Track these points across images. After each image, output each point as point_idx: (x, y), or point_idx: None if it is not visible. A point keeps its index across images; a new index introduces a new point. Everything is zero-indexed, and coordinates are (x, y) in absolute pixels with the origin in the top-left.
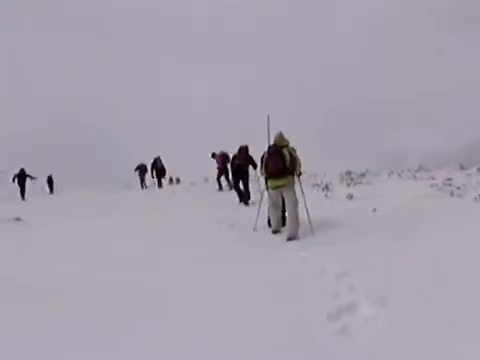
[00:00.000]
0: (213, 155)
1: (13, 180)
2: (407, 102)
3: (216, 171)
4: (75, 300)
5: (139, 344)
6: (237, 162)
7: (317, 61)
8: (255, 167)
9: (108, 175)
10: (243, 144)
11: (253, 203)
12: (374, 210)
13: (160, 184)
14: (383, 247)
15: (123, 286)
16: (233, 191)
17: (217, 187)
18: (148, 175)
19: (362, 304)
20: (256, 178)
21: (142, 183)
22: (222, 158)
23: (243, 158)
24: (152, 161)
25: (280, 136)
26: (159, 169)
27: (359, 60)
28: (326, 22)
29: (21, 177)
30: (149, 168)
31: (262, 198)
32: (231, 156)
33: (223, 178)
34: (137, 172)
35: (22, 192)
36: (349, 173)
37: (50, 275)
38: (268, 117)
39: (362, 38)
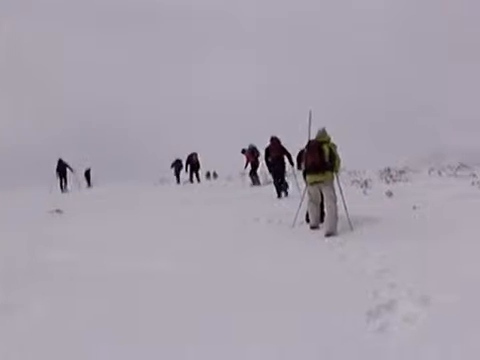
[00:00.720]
0: (243, 151)
1: (57, 171)
2: (449, 99)
3: (245, 166)
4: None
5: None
6: (273, 155)
7: (354, 55)
8: (290, 158)
9: (144, 170)
10: (273, 135)
11: (290, 196)
12: (414, 207)
13: (192, 179)
14: (424, 245)
15: (178, 276)
16: (259, 186)
17: (251, 182)
18: (184, 170)
19: (403, 302)
20: (293, 172)
21: (177, 178)
22: (251, 153)
23: (277, 150)
24: (187, 156)
25: (323, 131)
26: (194, 164)
27: (398, 55)
28: (362, 14)
29: (60, 167)
30: (184, 164)
31: (304, 194)
32: (264, 149)
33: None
34: (173, 168)
35: (61, 184)
36: (388, 170)
37: (99, 265)
38: (310, 112)
39: (401, 32)
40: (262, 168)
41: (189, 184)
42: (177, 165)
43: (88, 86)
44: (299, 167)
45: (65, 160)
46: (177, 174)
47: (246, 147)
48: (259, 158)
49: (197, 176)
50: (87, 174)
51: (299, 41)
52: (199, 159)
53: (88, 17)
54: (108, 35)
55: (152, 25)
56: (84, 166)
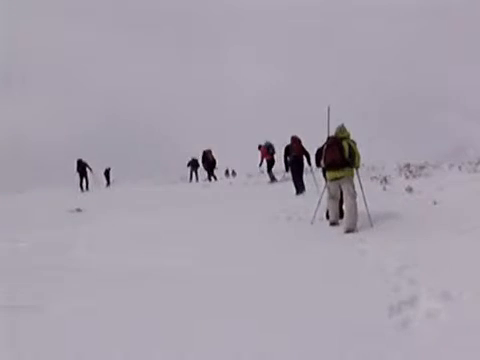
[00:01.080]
0: (259, 147)
1: (77, 171)
2: (469, 93)
3: (261, 162)
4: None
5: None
6: (293, 154)
7: (369, 48)
8: (308, 158)
9: (164, 169)
10: (294, 135)
11: (307, 194)
12: (434, 203)
13: (211, 176)
14: (445, 241)
15: (202, 276)
16: (276, 183)
17: (269, 179)
18: (201, 169)
19: (424, 298)
20: (310, 170)
21: (192, 177)
22: (267, 150)
23: (298, 150)
24: (202, 154)
25: (342, 127)
26: (210, 162)
27: (416, 47)
28: (376, 7)
29: (80, 168)
30: (200, 162)
31: (323, 191)
32: (284, 147)
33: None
34: (190, 167)
35: (81, 183)
36: (408, 165)
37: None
38: (328, 108)
39: (422, 25)
40: (279, 166)
41: (208, 182)
42: (193, 164)
43: (108, 82)
44: (318, 165)
45: (84, 160)
46: (194, 172)
47: (262, 143)
48: (274, 156)
49: (213, 174)
50: (107, 173)
51: (311, 35)
52: (214, 156)
53: (116, 14)
54: (129, 32)
55: (179, 23)
56: (103, 165)
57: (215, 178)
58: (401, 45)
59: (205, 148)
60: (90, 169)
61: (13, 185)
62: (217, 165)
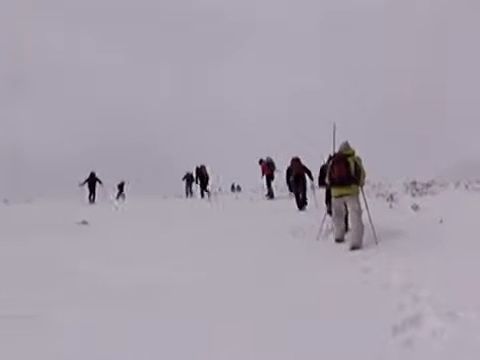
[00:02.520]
0: (261, 161)
1: (83, 184)
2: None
3: (262, 176)
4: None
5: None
6: (294, 173)
7: (376, 59)
8: (310, 174)
9: (170, 182)
10: (294, 156)
11: (308, 209)
12: (440, 221)
13: (203, 192)
14: (450, 259)
15: (204, 288)
16: (274, 199)
17: (266, 193)
18: (195, 183)
19: (429, 316)
20: (312, 186)
21: (188, 192)
22: (267, 166)
23: (298, 169)
24: (196, 169)
25: (346, 145)
26: (203, 177)
27: (427, 57)
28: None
29: (91, 180)
30: (195, 177)
31: (329, 208)
32: (286, 169)
33: (266, 184)
34: (184, 181)
35: (90, 196)
36: (414, 183)
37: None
38: (334, 125)
39: (426, 35)
40: (278, 182)
41: (214, 197)
42: (188, 178)
43: (118, 94)
44: (321, 184)
45: (97, 174)
46: (188, 187)
47: (264, 158)
48: (274, 172)
49: (206, 189)
50: (121, 187)
51: (313, 47)
52: (208, 172)
53: (123, 20)
54: (139, 40)
55: (180, 37)
56: (116, 179)
57: (208, 194)
58: (412, 55)
59: (199, 164)
60: (100, 183)
61: (22, 195)
62: (210, 182)
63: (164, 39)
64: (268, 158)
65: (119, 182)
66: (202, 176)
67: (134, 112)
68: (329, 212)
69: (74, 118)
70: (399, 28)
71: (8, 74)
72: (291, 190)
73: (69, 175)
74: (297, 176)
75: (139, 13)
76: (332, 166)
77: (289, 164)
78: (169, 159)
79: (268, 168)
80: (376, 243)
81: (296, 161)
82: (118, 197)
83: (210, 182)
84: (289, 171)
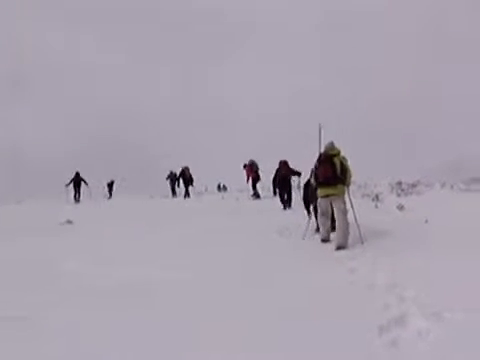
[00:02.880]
0: (244, 166)
1: (69, 184)
2: (468, 106)
3: (247, 180)
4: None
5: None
6: (281, 173)
7: (378, 59)
8: (299, 175)
9: (158, 181)
10: (282, 159)
11: (294, 209)
12: (426, 222)
13: (187, 194)
14: (435, 259)
15: (191, 286)
16: (260, 199)
17: (252, 194)
18: (178, 184)
19: (414, 317)
20: (297, 185)
21: (173, 192)
22: (251, 168)
23: (286, 171)
24: (180, 171)
25: (331, 145)
26: (187, 179)
27: (415, 56)
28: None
29: (76, 181)
30: (178, 178)
31: (315, 207)
32: (275, 171)
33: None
34: (168, 180)
35: (75, 195)
36: (400, 183)
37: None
38: (320, 126)
39: (419, 36)
40: (265, 183)
41: (200, 196)
42: (172, 178)
43: (111, 93)
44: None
45: (82, 174)
46: (172, 187)
47: (247, 162)
48: (259, 172)
49: (187, 191)
50: (110, 186)
51: (309, 49)
52: (191, 173)
53: (123, 20)
54: (136, 39)
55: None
56: (103, 179)
57: (188, 195)
58: (401, 54)
59: (183, 165)
60: (86, 183)
61: (13, 196)
62: (194, 183)
63: (164, 39)
64: (250, 160)
65: (108, 181)
66: (185, 177)
67: (134, 112)
68: (308, 211)
69: (74, 118)
70: (399, 28)
71: (8, 74)
72: (275, 192)
73: (65, 175)
74: (284, 178)
75: (139, 13)
76: (319, 166)
77: (277, 166)
78: (156, 159)
79: (252, 170)
80: (362, 243)
81: (284, 164)
82: (111, 195)
83: (194, 184)
84: (277, 172)
